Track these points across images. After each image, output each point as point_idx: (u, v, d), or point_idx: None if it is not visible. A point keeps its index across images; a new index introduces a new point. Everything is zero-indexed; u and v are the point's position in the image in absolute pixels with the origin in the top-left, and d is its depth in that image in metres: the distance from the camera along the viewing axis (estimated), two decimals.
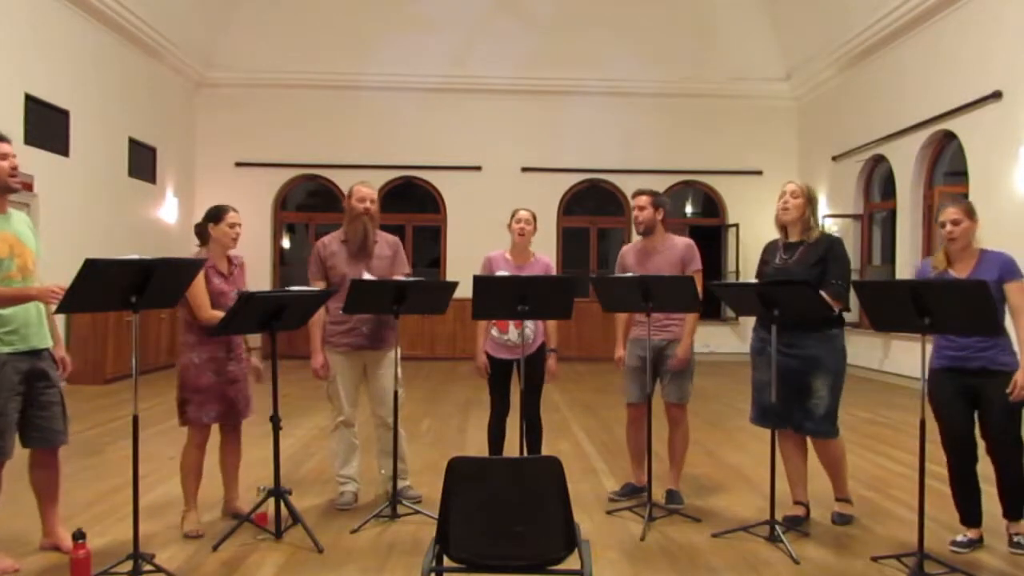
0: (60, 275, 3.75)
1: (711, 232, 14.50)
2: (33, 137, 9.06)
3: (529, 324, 4.73)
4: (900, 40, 10.56)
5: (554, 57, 13.47)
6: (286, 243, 15.15)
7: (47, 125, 9.42)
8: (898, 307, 3.50)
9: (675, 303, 4.35)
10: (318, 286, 4.60)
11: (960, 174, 9.74)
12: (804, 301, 3.87)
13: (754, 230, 12.44)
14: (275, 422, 4.01)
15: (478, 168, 13.88)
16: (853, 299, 4.06)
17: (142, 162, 11.97)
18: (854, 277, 4.51)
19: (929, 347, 3.87)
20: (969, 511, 3.95)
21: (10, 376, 3.49)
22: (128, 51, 11.31)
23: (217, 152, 13.59)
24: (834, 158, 12.59)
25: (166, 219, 12.63)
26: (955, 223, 3.82)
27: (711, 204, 14.75)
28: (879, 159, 11.61)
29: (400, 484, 4.53)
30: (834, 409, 4.21)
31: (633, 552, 3.90)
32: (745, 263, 13.16)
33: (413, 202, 14.56)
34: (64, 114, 9.78)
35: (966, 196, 8.38)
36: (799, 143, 14.01)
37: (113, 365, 9.70)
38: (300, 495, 4.63)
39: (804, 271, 4.13)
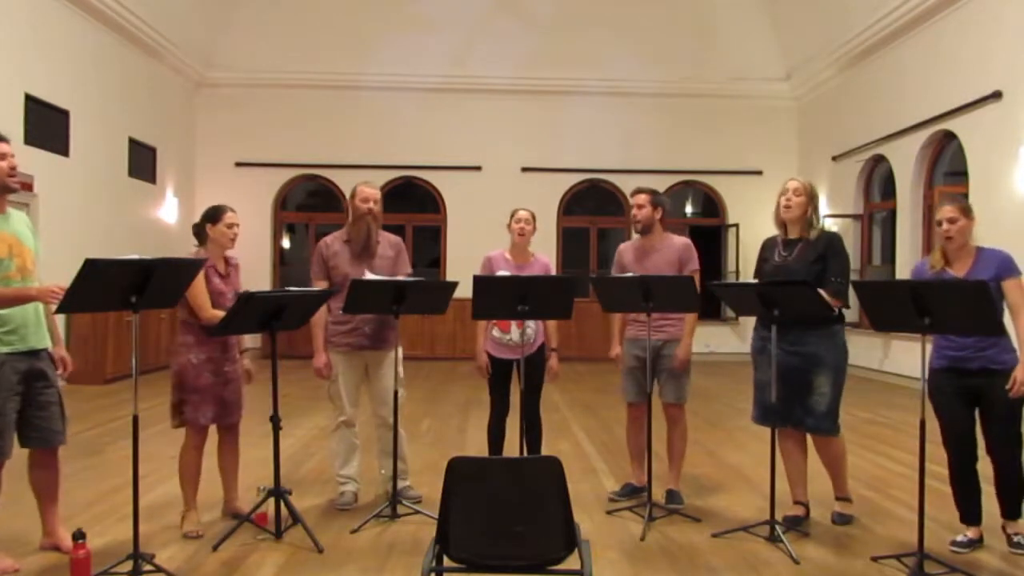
0: (60, 275, 3.75)
1: (711, 232, 14.51)
2: (33, 137, 9.06)
3: (531, 324, 4.74)
4: (900, 40, 10.56)
5: (554, 57, 13.48)
6: (286, 243, 15.16)
7: (47, 125, 9.42)
8: (898, 307, 3.50)
9: (675, 303, 4.35)
10: (320, 286, 4.60)
11: (960, 174, 9.74)
12: (804, 301, 3.87)
13: (754, 230, 12.43)
14: (275, 422, 4.01)
15: (478, 168, 13.89)
16: (853, 299, 4.05)
17: (142, 162, 11.98)
18: (854, 277, 4.51)
19: (929, 347, 3.87)
20: (969, 510, 3.95)
21: (8, 376, 3.49)
22: (128, 51, 11.31)
23: (217, 152, 13.59)
24: (834, 158, 12.59)
25: (166, 219, 12.64)
26: (951, 221, 3.82)
27: (711, 204, 14.76)
28: (879, 159, 11.61)
29: (400, 484, 4.53)
30: (836, 406, 4.21)
31: (633, 552, 3.90)
32: (745, 263, 13.16)
33: (413, 202, 14.56)
34: (64, 114, 9.78)
35: (966, 196, 8.37)
36: (799, 143, 14.02)
37: (113, 365, 9.70)
38: (300, 495, 4.63)
39: (804, 268, 4.13)
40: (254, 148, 13.60)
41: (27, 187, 8.32)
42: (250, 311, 3.76)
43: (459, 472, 2.53)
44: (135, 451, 3.45)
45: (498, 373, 4.85)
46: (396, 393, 4.52)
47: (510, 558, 2.59)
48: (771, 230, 4.46)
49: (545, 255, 5.06)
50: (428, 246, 14.70)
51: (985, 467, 3.90)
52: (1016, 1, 8.35)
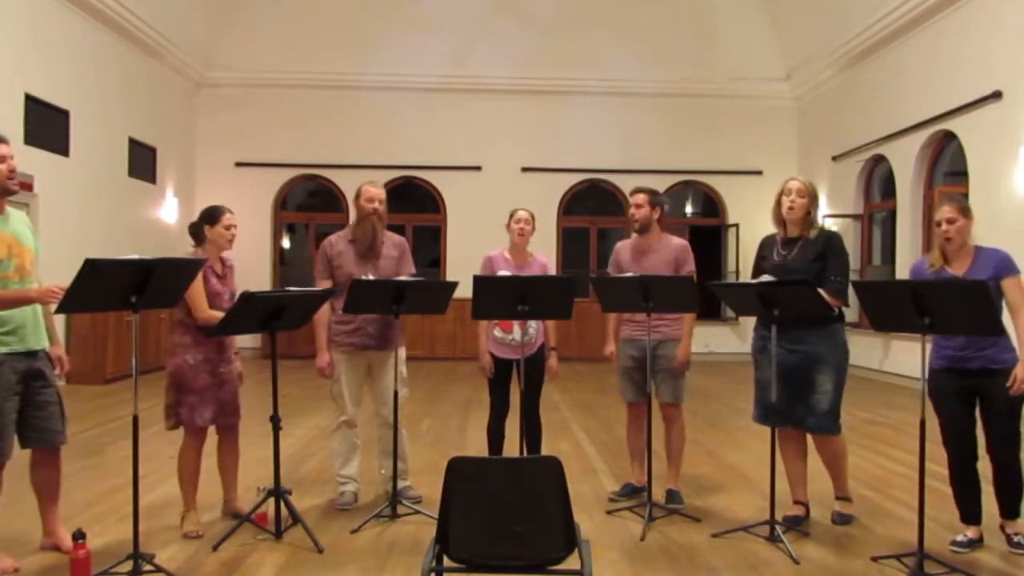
0: (60, 275, 3.75)
1: (711, 232, 14.51)
2: (33, 137, 9.06)
3: (532, 324, 4.74)
4: (900, 40, 10.56)
5: (554, 57, 13.48)
6: (286, 243, 15.15)
7: (47, 125, 9.42)
8: (898, 307, 3.50)
9: (675, 303, 4.35)
10: (324, 286, 4.59)
11: (960, 174, 9.74)
12: (804, 300, 3.87)
13: (754, 230, 12.39)
14: (275, 422, 4.01)
15: (478, 168, 13.89)
16: (853, 298, 4.05)
17: (142, 162, 11.98)
18: (854, 277, 4.51)
19: (929, 347, 3.87)
20: (969, 510, 3.95)
21: (7, 376, 3.49)
22: (128, 51, 11.31)
23: (217, 152, 13.59)
24: (834, 158, 12.59)
25: (166, 219, 12.64)
26: (951, 222, 3.82)
27: (711, 204, 14.75)
28: (879, 159, 11.61)
29: (400, 484, 4.53)
30: (837, 405, 4.20)
31: (633, 552, 3.90)
32: (745, 263, 13.14)
33: (413, 202, 14.56)
34: (64, 114, 9.78)
35: (966, 196, 8.37)
36: (799, 143, 14.02)
37: (113, 365, 9.69)
38: (300, 495, 4.63)
39: (804, 267, 4.13)
40: (254, 148, 13.60)
41: (27, 187, 8.32)
42: (250, 311, 3.76)
43: (459, 472, 2.53)
44: (135, 451, 3.45)
45: (498, 373, 4.85)
46: (396, 393, 4.51)
47: (510, 558, 2.59)
48: (771, 230, 4.45)
49: (543, 255, 5.06)
50: (428, 246, 14.70)
51: (985, 467, 3.90)
52: (1016, 1, 8.34)
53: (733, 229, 13.92)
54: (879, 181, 12.08)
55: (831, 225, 12.01)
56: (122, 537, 3.87)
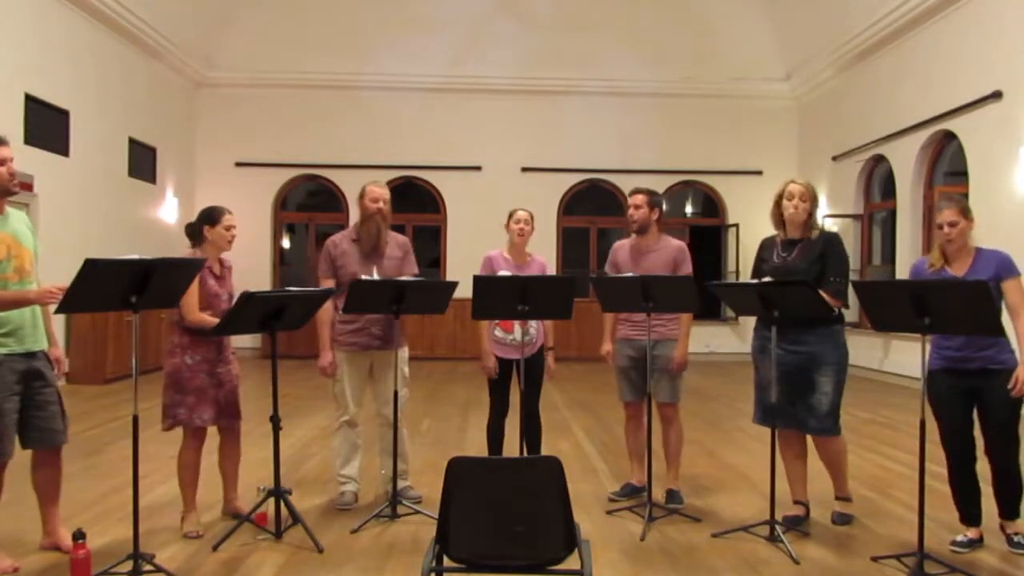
0: (60, 275, 3.75)
1: (711, 232, 14.51)
2: (33, 137, 9.06)
3: (533, 324, 4.74)
4: (900, 40, 10.56)
5: (554, 57, 13.48)
6: (286, 243, 15.16)
7: (47, 125, 9.42)
8: (898, 307, 3.50)
9: (675, 304, 4.36)
10: (327, 285, 4.58)
11: (960, 174, 9.74)
12: (804, 301, 3.87)
13: (754, 230, 12.41)
14: (275, 422, 4.01)
15: (478, 168, 13.89)
16: (853, 298, 4.06)
17: (142, 162, 11.97)
18: (854, 277, 4.51)
19: (928, 347, 3.87)
20: (969, 510, 3.96)
21: (6, 376, 3.49)
22: (128, 51, 11.31)
23: (217, 152, 13.60)
24: (834, 158, 12.59)
25: (166, 219, 12.64)
26: (952, 224, 3.83)
27: (711, 204, 14.75)
28: (879, 159, 11.61)
29: (400, 484, 4.53)
30: (837, 406, 4.20)
31: (633, 552, 3.90)
32: (745, 263, 13.15)
33: (413, 202, 14.55)
34: (64, 114, 9.78)
35: (966, 196, 8.37)
36: (799, 143, 14.02)
37: (113, 365, 9.69)
38: (300, 495, 4.63)
39: (804, 269, 4.13)
40: (254, 148, 13.60)
41: (27, 187, 8.32)
42: (250, 311, 3.76)
43: (459, 472, 2.53)
44: (135, 451, 3.45)
45: (499, 373, 4.85)
46: (396, 393, 4.51)
47: (510, 558, 2.59)
48: (771, 231, 4.45)
49: (542, 255, 5.06)
50: (428, 246, 14.70)
51: (984, 467, 3.90)
52: (1016, 1, 8.35)
53: (733, 229, 13.92)
54: (879, 181, 12.08)
55: (831, 225, 12.02)
56: (122, 537, 3.87)
